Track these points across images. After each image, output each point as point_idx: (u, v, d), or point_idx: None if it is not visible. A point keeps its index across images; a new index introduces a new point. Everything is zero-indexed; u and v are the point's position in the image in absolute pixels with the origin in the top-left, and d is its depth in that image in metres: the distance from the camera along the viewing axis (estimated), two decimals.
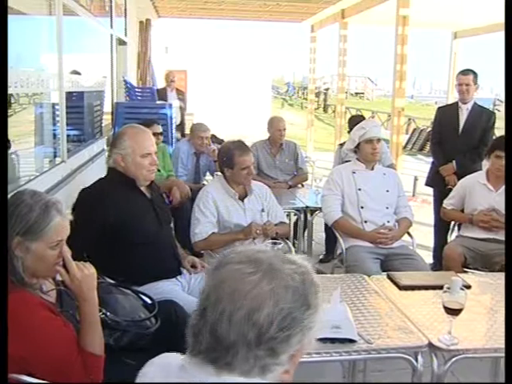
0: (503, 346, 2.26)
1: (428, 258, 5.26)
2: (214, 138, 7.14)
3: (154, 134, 4.25)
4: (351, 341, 2.17)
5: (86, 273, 1.89)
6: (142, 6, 10.83)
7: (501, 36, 11.62)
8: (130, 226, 2.81)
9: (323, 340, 2.16)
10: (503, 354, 2.33)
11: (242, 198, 3.66)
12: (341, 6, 11.17)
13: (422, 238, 5.74)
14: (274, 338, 1.02)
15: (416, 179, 8.85)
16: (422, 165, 11.79)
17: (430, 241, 5.40)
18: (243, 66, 18.63)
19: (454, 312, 2.20)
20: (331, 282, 2.84)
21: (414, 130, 17.70)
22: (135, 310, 2.41)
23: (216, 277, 1.08)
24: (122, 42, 8.56)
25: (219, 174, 3.98)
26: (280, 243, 2.84)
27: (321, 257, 5.58)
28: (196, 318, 1.07)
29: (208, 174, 5.94)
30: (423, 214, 6.51)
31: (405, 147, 16.56)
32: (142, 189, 3.00)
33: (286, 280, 1.06)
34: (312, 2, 10.92)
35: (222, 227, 3.60)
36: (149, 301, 2.50)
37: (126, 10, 8.71)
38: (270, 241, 3.02)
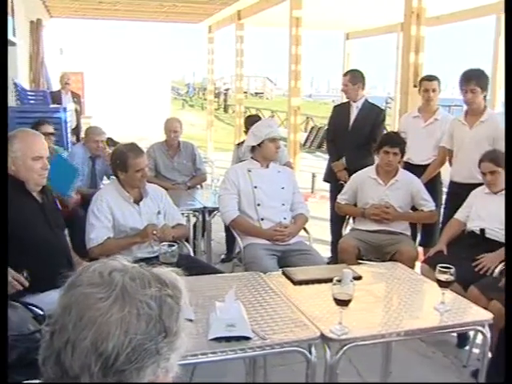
0: (391, 331, 2.38)
1: (327, 251, 5.43)
2: (111, 142, 6.96)
3: (45, 134, 4.09)
4: (246, 338, 2.19)
5: None
6: (32, 5, 10.37)
7: (391, 37, 12.21)
8: (18, 230, 2.70)
9: (218, 339, 2.17)
10: (391, 339, 2.45)
11: (137, 202, 3.59)
12: (237, 8, 11.26)
13: (322, 232, 5.90)
14: (121, 370, 0.93)
15: (314, 176, 9.09)
16: (320, 162, 12.13)
17: (328, 235, 5.56)
18: (142, 68, 18.32)
19: (343, 303, 2.28)
20: (227, 281, 2.85)
21: (312, 128, 18.16)
22: (24, 323, 2.31)
23: (64, 300, 0.98)
24: (10, 43, 8.15)
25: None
26: (174, 245, 2.81)
27: (222, 256, 5.60)
28: (44, 342, 0.97)
29: (105, 178, 5.79)
30: (322, 209, 6.69)
31: (304, 145, 16.99)
32: (34, 193, 2.92)
33: (140, 307, 0.96)
34: (208, 3, 10.92)
35: (118, 232, 3.51)
36: (40, 312, 2.40)
37: (13, 8, 8.30)
38: (166, 243, 2.99)
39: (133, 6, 11.40)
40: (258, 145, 3.94)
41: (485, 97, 4.45)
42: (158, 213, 3.65)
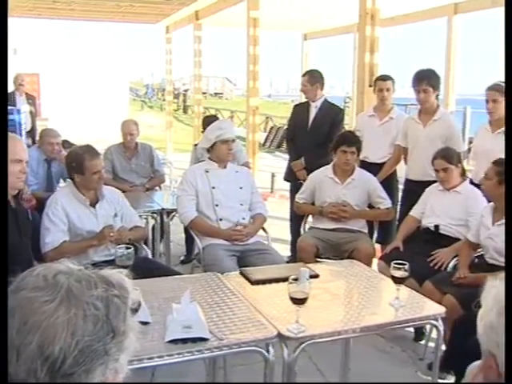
0: (347, 328, 2.41)
1: (287, 251, 5.46)
2: (67, 144, 6.83)
3: None
4: (203, 339, 2.19)
5: None
6: None
7: (348, 38, 12.35)
8: None
9: (175, 341, 2.16)
10: (347, 335, 2.48)
11: (93, 204, 3.54)
12: (194, 8, 11.21)
13: (282, 231, 5.94)
14: (69, 373, 0.91)
15: (273, 175, 9.14)
16: (279, 161, 12.20)
17: (288, 234, 5.59)
18: (99, 69, 18.08)
19: (299, 301, 2.30)
20: (185, 283, 2.84)
21: (272, 127, 18.24)
22: None
23: (9, 305, 0.95)
24: None
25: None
26: (130, 247, 2.79)
27: (182, 258, 5.58)
28: None
29: (62, 181, 5.69)
30: (282, 208, 6.74)
31: (263, 145, 17.06)
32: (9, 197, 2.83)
33: (87, 308, 0.95)
34: (165, 4, 10.84)
35: (74, 235, 3.46)
36: None
37: None
38: (123, 246, 2.95)
39: (89, 5, 11.23)
40: (211, 147, 3.94)
41: (437, 96, 4.54)
42: (115, 215, 3.60)
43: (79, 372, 0.92)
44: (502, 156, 3.65)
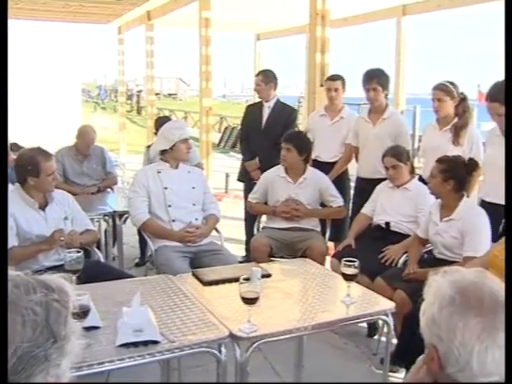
0: (298, 326, 2.43)
1: (242, 250, 5.47)
2: (15, 147, 6.67)
3: None
4: (155, 342, 2.17)
5: None
6: None
7: (301, 38, 12.44)
8: None
9: (126, 345, 2.14)
10: (299, 333, 2.50)
11: (42, 207, 3.46)
12: (146, 8, 11.10)
13: (236, 231, 5.95)
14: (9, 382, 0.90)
15: (227, 176, 9.15)
16: (233, 161, 12.21)
17: (243, 234, 5.60)
18: (49, 70, 17.69)
19: (250, 301, 2.30)
20: (137, 286, 2.81)
21: (226, 128, 18.25)
22: None
23: None
24: None
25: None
26: (80, 251, 2.74)
27: (136, 260, 5.52)
28: None
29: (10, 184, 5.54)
30: (236, 208, 6.75)
31: (218, 145, 17.04)
32: None
33: (25, 314, 0.94)
34: (116, 4, 10.69)
35: (23, 240, 3.37)
36: None
37: None
38: (72, 250, 2.89)
39: (37, 5, 10.96)
40: (171, 148, 3.91)
41: (386, 95, 4.62)
42: (65, 218, 3.53)
43: (19, 379, 0.90)
44: (449, 153, 3.75)
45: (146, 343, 2.15)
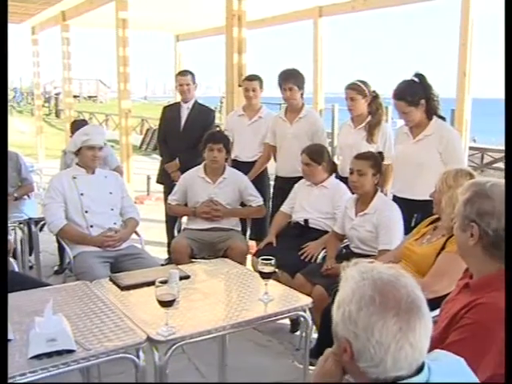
0: (217, 326, 2.45)
1: (165, 253, 5.42)
2: None
3: None
4: (69, 351, 2.12)
5: None
6: None
7: (221, 38, 12.46)
8: None
9: (39, 356, 2.07)
10: (218, 333, 2.52)
11: None
12: (60, 8, 10.77)
13: (159, 234, 5.89)
14: None
15: (149, 178, 9.04)
16: (156, 164, 12.02)
17: (165, 237, 5.55)
18: None
19: (167, 304, 2.29)
20: (52, 295, 2.73)
21: (148, 130, 18.00)
22: None
23: None
24: None
25: None
26: None
27: (55, 268, 5.36)
28: None
29: None
30: (159, 211, 6.66)
31: (140, 147, 16.81)
32: None
33: None
34: (28, 2, 10.31)
35: None
36: None
37: None
38: None
39: None
40: (77, 152, 3.84)
41: (302, 95, 4.70)
42: None
43: None
44: (363, 150, 3.88)
45: (60, 353, 2.10)
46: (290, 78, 4.59)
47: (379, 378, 1.28)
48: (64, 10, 10.89)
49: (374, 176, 3.60)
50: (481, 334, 1.73)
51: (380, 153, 3.81)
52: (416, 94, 3.64)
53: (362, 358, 1.28)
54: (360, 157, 3.68)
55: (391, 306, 1.25)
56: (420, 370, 1.29)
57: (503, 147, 11.13)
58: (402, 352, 1.24)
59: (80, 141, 3.81)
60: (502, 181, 1.79)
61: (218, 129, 5.98)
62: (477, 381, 1.42)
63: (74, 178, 3.83)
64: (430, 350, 1.39)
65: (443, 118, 3.77)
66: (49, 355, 2.08)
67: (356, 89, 4.28)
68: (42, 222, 4.60)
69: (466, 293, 1.88)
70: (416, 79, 3.68)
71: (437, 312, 2.04)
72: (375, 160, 3.64)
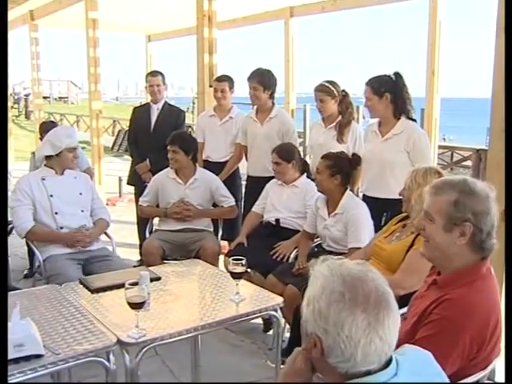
0: (188, 327, 2.44)
1: (137, 255, 5.39)
2: None
3: None
4: (38, 356, 2.09)
5: None
6: None
7: (192, 39, 12.42)
8: None
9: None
10: (189, 335, 2.51)
11: None
12: (28, 7, 10.62)
13: (132, 236, 5.84)
14: None
15: (120, 179, 8.95)
16: (127, 165, 11.92)
17: (137, 238, 5.52)
18: None
19: (137, 306, 2.28)
20: (21, 299, 2.68)
21: (120, 131, 17.85)
22: None
23: None
24: None
25: None
26: None
27: (25, 272, 5.27)
28: None
29: None
30: (131, 212, 6.61)
31: (112, 149, 16.66)
32: None
33: None
34: None
35: None
36: None
37: None
38: None
39: None
40: (57, 154, 3.79)
41: (271, 94, 4.69)
42: None
43: None
44: (334, 150, 3.90)
45: (28, 358, 2.07)
46: (255, 77, 4.60)
47: (349, 372, 1.29)
48: (32, 9, 10.74)
49: (332, 176, 3.60)
50: (449, 329, 1.76)
51: (354, 154, 3.83)
52: (383, 85, 3.70)
53: (333, 353, 1.29)
54: (323, 156, 3.72)
55: (360, 301, 1.27)
56: (388, 363, 1.30)
57: (472, 146, 11.32)
58: (372, 346, 1.26)
59: (64, 143, 3.76)
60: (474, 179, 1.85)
61: (189, 129, 5.97)
62: (442, 373, 1.44)
63: (43, 179, 3.77)
64: (400, 345, 1.41)
65: (414, 120, 3.81)
66: (16, 361, 2.05)
67: (324, 90, 4.31)
68: (11, 226, 4.52)
69: (435, 289, 1.91)
70: (392, 76, 3.73)
71: (406, 309, 2.07)
72: (335, 161, 3.64)
